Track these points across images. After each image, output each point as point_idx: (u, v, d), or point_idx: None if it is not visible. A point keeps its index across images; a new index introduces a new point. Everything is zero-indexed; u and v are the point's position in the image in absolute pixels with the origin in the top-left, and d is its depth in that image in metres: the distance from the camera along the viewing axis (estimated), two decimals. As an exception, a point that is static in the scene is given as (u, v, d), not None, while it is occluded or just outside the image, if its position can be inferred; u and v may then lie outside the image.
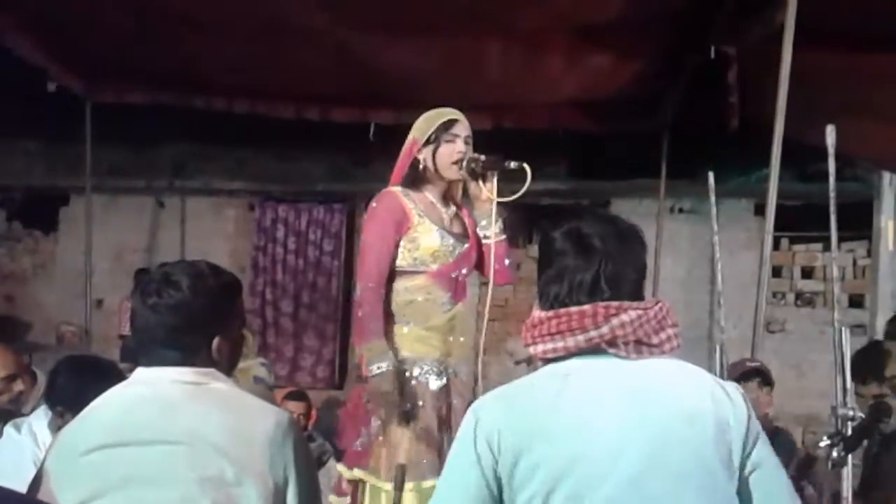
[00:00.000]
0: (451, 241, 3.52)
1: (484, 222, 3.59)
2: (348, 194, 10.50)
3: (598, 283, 1.98)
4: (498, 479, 1.91)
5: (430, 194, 3.55)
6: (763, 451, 1.96)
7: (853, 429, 3.25)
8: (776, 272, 9.61)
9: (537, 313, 2.04)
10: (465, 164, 3.47)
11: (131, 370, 2.78)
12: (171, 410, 2.11)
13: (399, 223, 3.45)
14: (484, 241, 3.60)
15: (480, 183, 3.50)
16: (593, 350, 1.96)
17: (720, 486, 1.88)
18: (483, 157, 3.46)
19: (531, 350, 2.04)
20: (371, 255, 3.45)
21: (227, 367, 2.25)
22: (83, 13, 6.42)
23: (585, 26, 6.16)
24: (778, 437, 5.25)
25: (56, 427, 3.43)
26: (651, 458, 1.86)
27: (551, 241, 2.07)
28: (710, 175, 5.21)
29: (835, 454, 3.19)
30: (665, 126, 7.95)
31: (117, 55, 7.29)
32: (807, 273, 9.85)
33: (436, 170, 3.51)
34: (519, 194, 3.43)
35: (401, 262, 3.47)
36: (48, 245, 11.25)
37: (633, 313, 1.96)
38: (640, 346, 1.97)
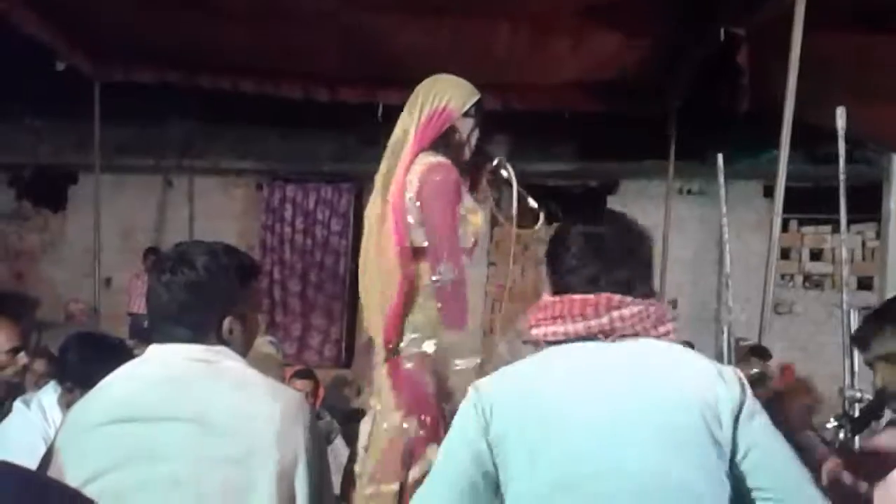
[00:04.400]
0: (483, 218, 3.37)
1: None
2: (356, 174, 10.50)
3: (606, 279, 2.06)
4: (491, 446, 1.97)
5: None
6: (761, 432, 1.97)
7: (860, 410, 3.25)
8: (785, 254, 9.61)
9: (544, 298, 2.12)
10: (495, 161, 3.36)
11: (139, 347, 2.79)
12: (181, 388, 2.12)
13: (458, 199, 3.20)
14: None
15: (488, 179, 3.39)
16: (591, 338, 2.03)
17: (709, 460, 1.90)
18: (510, 171, 3.35)
19: (533, 332, 2.11)
20: (451, 236, 3.16)
21: (239, 347, 2.26)
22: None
23: (594, 8, 6.15)
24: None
25: (65, 403, 3.46)
26: (638, 428, 1.90)
27: (565, 240, 2.14)
28: (719, 157, 5.21)
29: (842, 436, 3.20)
30: (674, 108, 7.93)
31: (125, 34, 7.30)
32: (815, 255, 9.85)
33: (465, 144, 3.31)
34: (535, 228, 3.36)
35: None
36: (57, 223, 11.29)
37: (634, 308, 2.03)
38: (639, 338, 2.04)
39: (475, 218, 3.28)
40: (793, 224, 9.69)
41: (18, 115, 10.21)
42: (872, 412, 3.13)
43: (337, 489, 4.20)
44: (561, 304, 2.05)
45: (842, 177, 3.87)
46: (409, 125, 3.27)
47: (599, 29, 6.56)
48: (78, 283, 10.06)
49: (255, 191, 11.00)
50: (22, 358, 3.54)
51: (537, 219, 3.37)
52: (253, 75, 7.95)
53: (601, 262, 2.07)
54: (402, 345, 3.23)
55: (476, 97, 3.31)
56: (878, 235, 9.34)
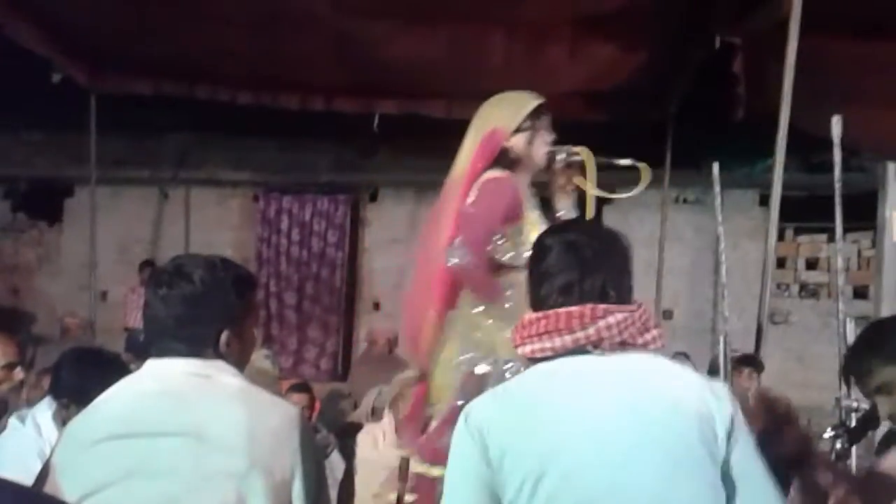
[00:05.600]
0: None
1: (563, 211, 3.39)
2: (353, 185, 10.51)
3: (584, 286, 2.04)
4: (491, 468, 1.94)
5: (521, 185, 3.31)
6: (745, 449, 1.97)
7: (857, 420, 3.24)
8: (780, 263, 9.61)
9: (526, 315, 2.10)
10: (564, 156, 3.31)
11: (135, 362, 2.78)
12: (179, 403, 2.11)
13: (513, 212, 3.16)
14: None
15: (567, 174, 3.34)
16: (579, 351, 2.01)
17: (705, 474, 1.90)
18: (582, 150, 3.32)
19: (519, 351, 2.09)
20: (481, 230, 3.08)
21: (237, 361, 2.25)
22: (87, 4, 6.42)
23: (589, 16, 6.15)
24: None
25: (61, 419, 3.43)
26: (637, 445, 1.89)
27: (541, 248, 2.15)
28: (715, 165, 5.21)
29: (838, 446, 3.18)
30: (670, 116, 7.94)
31: (121, 46, 7.30)
32: (811, 264, 9.85)
33: (525, 159, 3.28)
34: (635, 192, 3.36)
35: (506, 255, 3.14)
36: (52, 236, 11.27)
37: (619, 315, 2.01)
38: (626, 346, 2.01)
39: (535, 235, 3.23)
40: (789, 233, 9.70)
41: (14, 128, 10.20)
42: (869, 422, 3.12)
43: (334, 503, 4.18)
44: (546, 320, 2.03)
45: (837, 185, 3.87)
46: (464, 151, 3.28)
47: (595, 38, 6.57)
48: (74, 297, 10.04)
49: (252, 202, 10.99)
50: (18, 373, 3.53)
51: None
52: (249, 86, 7.94)
53: (575, 269, 2.06)
54: (458, 364, 3.13)
55: (527, 109, 3.28)
56: (873, 244, 9.35)
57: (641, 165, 3.31)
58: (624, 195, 3.40)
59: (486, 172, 3.20)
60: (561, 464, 1.87)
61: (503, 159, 3.25)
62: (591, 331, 1.99)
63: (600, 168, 3.31)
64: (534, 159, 3.30)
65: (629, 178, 3.40)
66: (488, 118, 3.29)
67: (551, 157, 3.32)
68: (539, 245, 2.17)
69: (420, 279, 3.32)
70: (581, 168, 3.36)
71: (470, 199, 3.16)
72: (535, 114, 3.30)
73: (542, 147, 3.31)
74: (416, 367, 3.32)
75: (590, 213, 3.35)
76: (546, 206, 3.35)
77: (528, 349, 2.05)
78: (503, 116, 3.27)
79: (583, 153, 3.32)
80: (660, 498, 1.86)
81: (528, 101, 3.32)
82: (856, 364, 2.67)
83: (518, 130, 3.26)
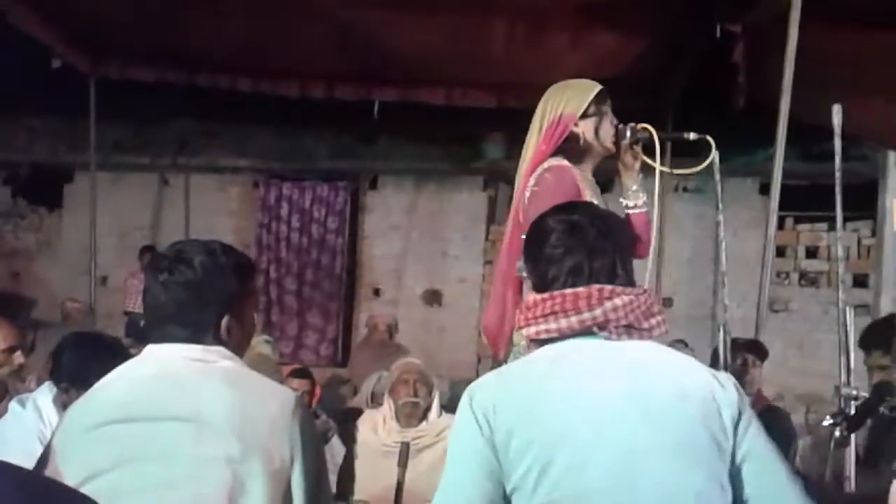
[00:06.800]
0: None
1: (635, 187, 3.43)
2: (352, 172, 10.50)
3: (594, 266, 2.03)
4: (496, 452, 1.92)
5: (584, 171, 3.32)
6: (757, 440, 1.95)
7: (856, 408, 3.25)
8: (780, 252, 9.61)
9: (532, 296, 2.08)
10: (629, 133, 3.31)
11: (136, 346, 2.79)
12: (179, 388, 2.12)
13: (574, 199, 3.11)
14: (627, 211, 3.41)
15: (633, 153, 3.36)
16: (585, 332, 1.99)
17: (710, 464, 1.89)
18: (648, 127, 3.32)
19: (524, 332, 2.08)
20: None
21: (236, 347, 2.25)
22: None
23: (590, 4, 6.14)
24: (774, 416, 5.25)
25: (61, 403, 3.44)
26: (642, 432, 1.87)
27: (543, 229, 2.11)
28: (715, 154, 5.21)
29: (838, 434, 3.19)
30: (670, 105, 7.93)
31: (122, 32, 7.29)
32: (811, 253, 9.85)
33: (594, 144, 3.29)
34: (699, 168, 3.37)
35: None
36: (53, 222, 11.28)
37: (625, 297, 2.00)
38: (631, 329, 2.00)
39: None
40: (789, 221, 9.69)
41: (14, 113, 10.19)
42: (868, 409, 3.13)
43: (334, 489, 4.20)
44: (552, 301, 2.00)
45: (837, 174, 3.86)
46: (532, 138, 3.28)
47: (596, 26, 6.56)
48: (74, 282, 10.03)
49: (252, 189, 10.99)
50: (18, 357, 3.54)
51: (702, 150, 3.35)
52: (250, 73, 7.93)
53: (583, 250, 2.03)
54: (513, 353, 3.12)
55: (592, 94, 3.28)
56: (873, 233, 9.35)
57: (709, 138, 3.32)
58: (689, 171, 3.40)
59: (547, 160, 3.20)
60: (567, 452, 1.86)
61: (570, 146, 3.25)
62: (598, 312, 1.97)
63: (664, 143, 3.32)
64: (602, 143, 3.30)
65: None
66: (554, 105, 3.27)
67: (618, 136, 3.33)
68: (540, 227, 2.13)
69: (500, 267, 3.31)
70: (645, 146, 3.36)
71: (530, 187, 3.16)
72: (600, 98, 3.30)
73: (609, 130, 3.31)
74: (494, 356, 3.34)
75: (658, 188, 3.35)
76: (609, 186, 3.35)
77: (532, 330, 2.03)
78: (570, 102, 3.26)
79: (649, 129, 3.32)
80: (665, 487, 1.84)
81: (592, 87, 3.31)
82: None
83: (585, 116, 3.26)
